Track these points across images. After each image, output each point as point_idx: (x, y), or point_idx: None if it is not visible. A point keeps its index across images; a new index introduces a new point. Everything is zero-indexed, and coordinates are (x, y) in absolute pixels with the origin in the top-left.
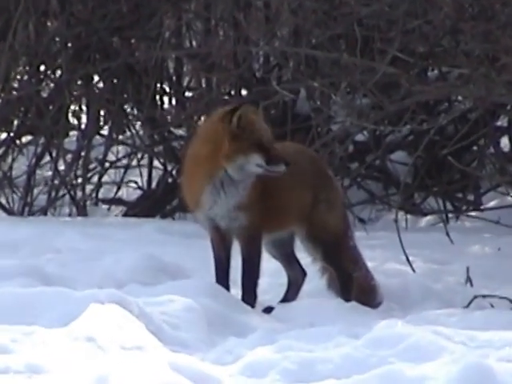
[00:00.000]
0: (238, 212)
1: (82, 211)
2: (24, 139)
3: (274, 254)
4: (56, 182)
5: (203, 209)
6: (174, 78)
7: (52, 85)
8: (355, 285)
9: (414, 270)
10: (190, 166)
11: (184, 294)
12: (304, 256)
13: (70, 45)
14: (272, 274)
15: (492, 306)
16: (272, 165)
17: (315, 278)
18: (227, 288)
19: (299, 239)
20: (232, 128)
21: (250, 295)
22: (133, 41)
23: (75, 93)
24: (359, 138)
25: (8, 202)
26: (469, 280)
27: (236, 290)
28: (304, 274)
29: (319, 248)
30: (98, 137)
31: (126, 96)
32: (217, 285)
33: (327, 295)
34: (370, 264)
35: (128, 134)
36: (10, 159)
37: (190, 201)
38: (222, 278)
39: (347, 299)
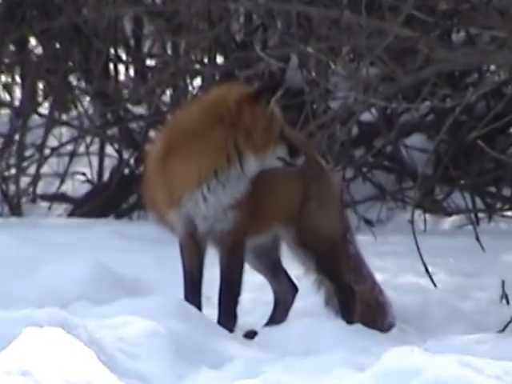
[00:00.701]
0: (228, 212)
1: (15, 210)
2: None
3: (257, 265)
4: None
5: (183, 207)
6: (132, 42)
7: None
8: (359, 301)
9: (435, 285)
10: (174, 153)
11: (145, 315)
12: (295, 266)
13: None
14: (255, 289)
15: None
16: (294, 157)
17: (309, 293)
18: (199, 307)
19: (286, 245)
20: (269, 112)
21: (228, 316)
22: None
23: (6, 60)
24: (366, 117)
25: None
26: (504, 297)
27: (210, 310)
28: (294, 289)
29: (311, 255)
30: (35, 116)
31: (71, 65)
32: (186, 303)
33: (325, 315)
34: (378, 277)
35: (74, 112)
36: None
37: (164, 197)
38: (193, 295)
39: (349, 320)
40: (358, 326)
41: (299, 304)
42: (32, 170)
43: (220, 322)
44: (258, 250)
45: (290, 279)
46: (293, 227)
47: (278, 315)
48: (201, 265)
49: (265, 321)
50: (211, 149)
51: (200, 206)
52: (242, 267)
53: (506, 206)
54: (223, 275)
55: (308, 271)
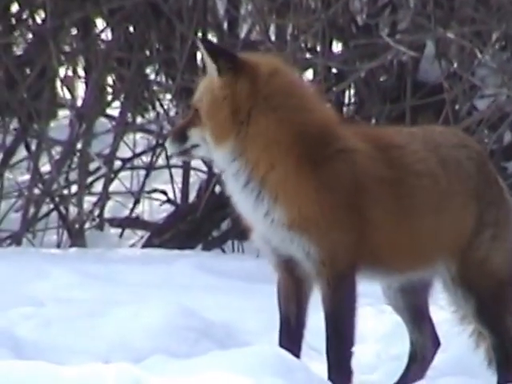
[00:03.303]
0: (294, 232)
1: (77, 239)
2: None
3: (399, 304)
4: (36, 191)
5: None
6: (225, 25)
7: (30, 36)
8: None
9: None
10: None
11: (240, 372)
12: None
13: None
14: (382, 337)
15: None
16: None
17: (452, 343)
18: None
19: (443, 283)
20: None
21: (339, 372)
22: None
23: (67, 48)
24: None
25: None
26: None
27: (321, 365)
28: (437, 343)
29: (472, 298)
30: (103, 120)
31: (147, 54)
32: (290, 356)
33: (480, 375)
34: None
35: (152, 115)
36: None
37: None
38: (290, 344)
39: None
40: None
41: (444, 361)
42: (98, 187)
43: (330, 378)
44: (407, 288)
45: (433, 330)
46: (456, 262)
47: (413, 374)
48: (300, 311)
49: (392, 380)
50: None
51: (257, 222)
52: (351, 309)
53: None
54: (327, 320)
55: (464, 318)
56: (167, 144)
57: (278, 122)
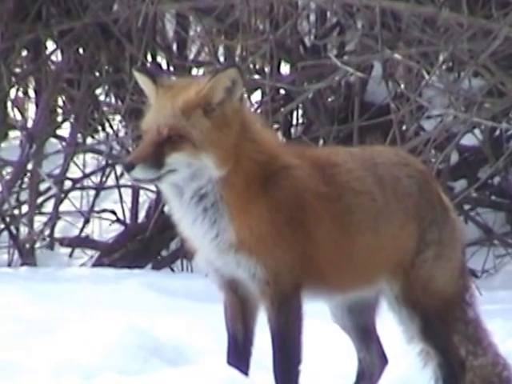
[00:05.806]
0: (241, 255)
1: (28, 258)
2: None
3: (346, 323)
4: None
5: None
6: (175, 46)
7: None
8: (478, 379)
9: None
10: None
11: None
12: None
13: None
14: (330, 355)
15: None
16: None
17: (408, 365)
18: (245, 373)
19: (388, 302)
20: None
21: None
22: None
23: (17, 70)
24: (468, 140)
25: None
26: None
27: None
28: (384, 361)
29: (417, 318)
30: (53, 140)
31: (97, 75)
32: (240, 375)
33: None
34: None
35: (101, 135)
36: None
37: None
38: (238, 362)
39: None
40: None
41: (389, 376)
42: (49, 207)
43: None
44: (354, 308)
45: (381, 348)
46: (399, 281)
47: None
48: (247, 329)
49: None
50: None
51: (200, 243)
52: (297, 328)
53: None
54: (273, 339)
55: (412, 339)
56: (138, 170)
57: (252, 143)
